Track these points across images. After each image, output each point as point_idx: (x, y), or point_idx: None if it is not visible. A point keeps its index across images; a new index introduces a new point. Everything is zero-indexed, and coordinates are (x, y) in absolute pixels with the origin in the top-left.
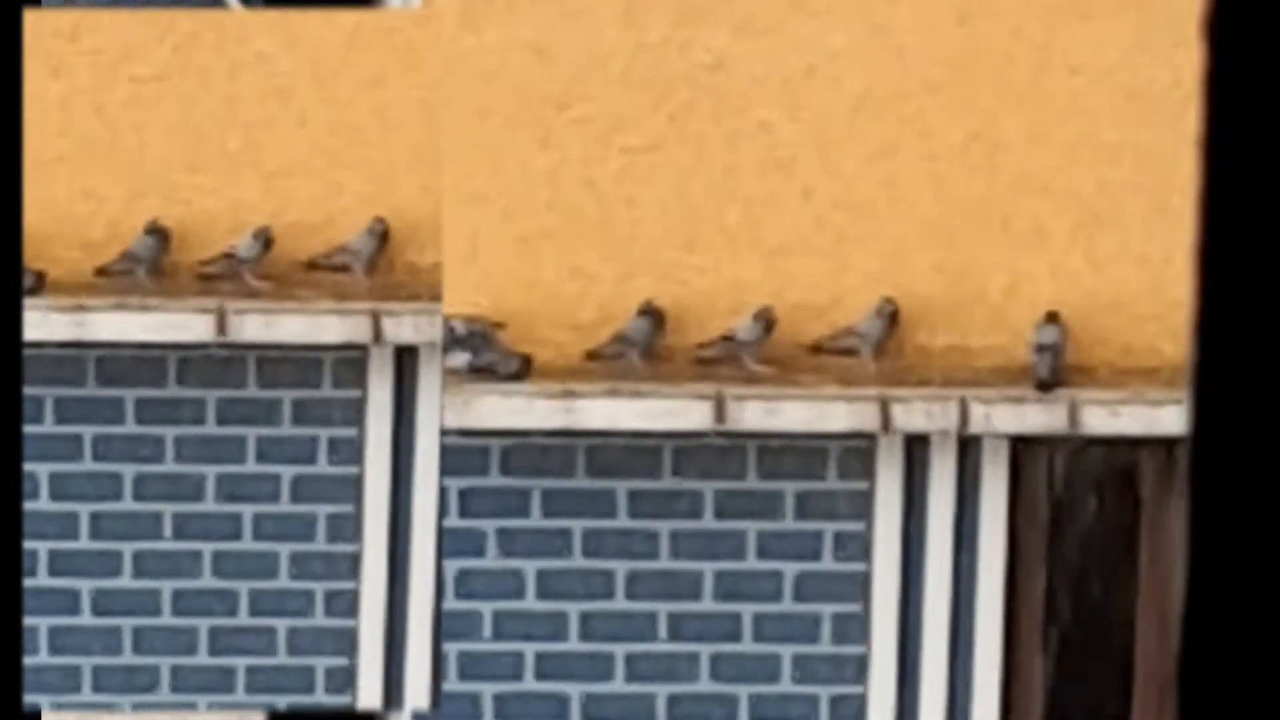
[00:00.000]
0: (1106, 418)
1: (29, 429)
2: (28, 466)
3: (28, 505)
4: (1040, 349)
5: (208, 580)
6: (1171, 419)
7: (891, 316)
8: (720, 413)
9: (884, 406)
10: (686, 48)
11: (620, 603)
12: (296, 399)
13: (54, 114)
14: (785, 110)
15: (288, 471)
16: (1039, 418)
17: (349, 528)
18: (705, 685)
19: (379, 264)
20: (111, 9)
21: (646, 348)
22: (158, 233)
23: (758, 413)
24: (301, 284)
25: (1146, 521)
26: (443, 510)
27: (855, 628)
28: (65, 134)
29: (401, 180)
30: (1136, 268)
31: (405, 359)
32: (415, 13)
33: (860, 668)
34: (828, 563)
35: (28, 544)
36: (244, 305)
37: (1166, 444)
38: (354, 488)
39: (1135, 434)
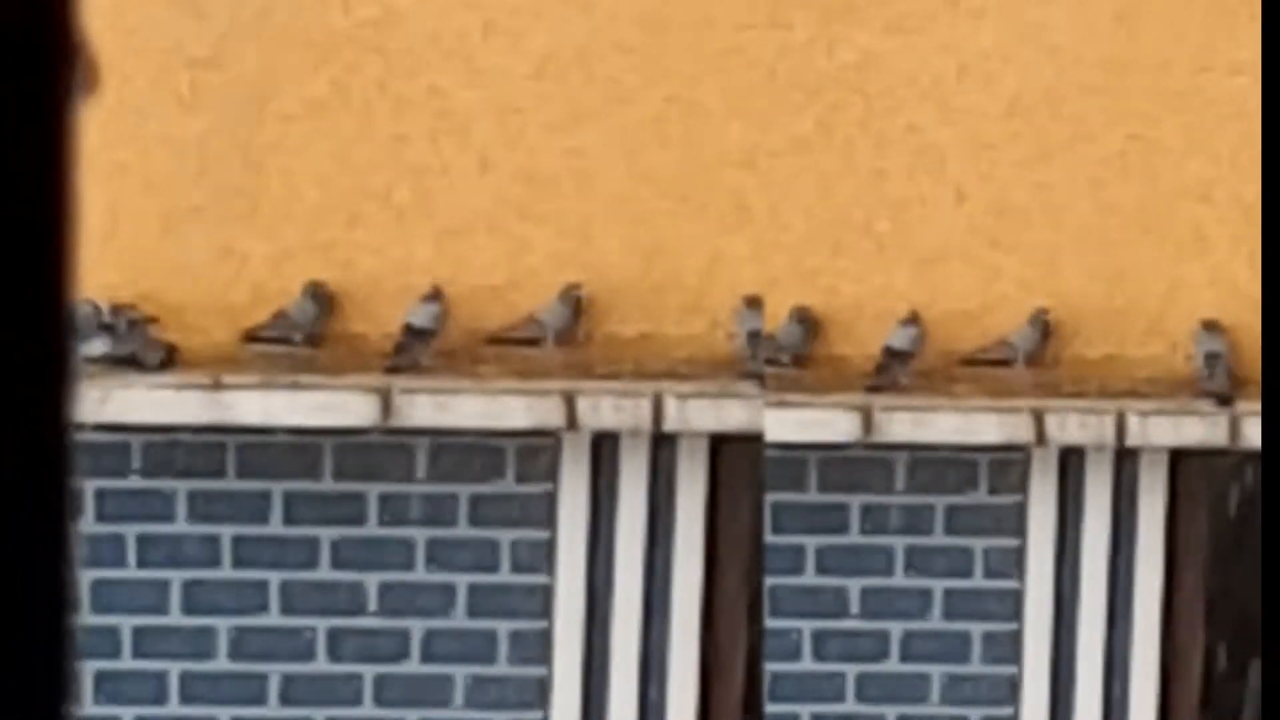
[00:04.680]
0: None
1: (159, 529)
2: (161, 573)
3: (157, 620)
4: (1209, 358)
5: (369, 709)
6: None
7: (1045, 325)
8: (868, 423)
9: (1038, 418)
10: (834, 47)
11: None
12: (475, 494)
13: (189, 157)
14: (936, 112)
15: (464, 580)
16: (1199, 430)
17: (537, 647)
18: (851, 706)
19: (574, 336)
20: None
21: (800, 357)
22: (318, 295)
23: (907, 424)
24: (481, 360)
25: None
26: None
27: (1007, 647)
28: (202, 181)
29: (601, 237)
30: None
31: (604, 447)
32: None
33: (1012, 688)
34: (978, 579)
35: (157, 664)
36: (413, 384)
37: None
38: (543, 600)
39: None
